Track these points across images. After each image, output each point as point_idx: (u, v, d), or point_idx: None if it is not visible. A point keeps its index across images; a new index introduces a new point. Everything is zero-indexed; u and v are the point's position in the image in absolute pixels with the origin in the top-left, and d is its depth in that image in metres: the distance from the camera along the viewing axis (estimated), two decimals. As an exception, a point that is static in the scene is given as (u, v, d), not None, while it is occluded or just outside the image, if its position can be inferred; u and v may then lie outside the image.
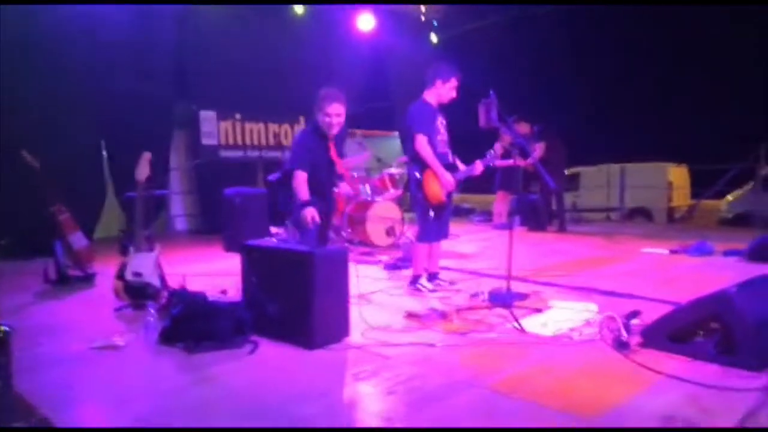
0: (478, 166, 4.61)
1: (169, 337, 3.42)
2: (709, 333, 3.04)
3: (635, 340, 3.22)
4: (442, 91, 4.55)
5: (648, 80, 17.99)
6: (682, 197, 14.45)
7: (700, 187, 13.84)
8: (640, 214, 13.62)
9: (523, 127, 8.38)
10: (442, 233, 4.81)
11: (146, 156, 4.40)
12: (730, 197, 13.16)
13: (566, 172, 9.80)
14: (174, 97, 8.76)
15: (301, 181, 3.97)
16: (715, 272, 5.33)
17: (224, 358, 3.19)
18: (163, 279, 4.33)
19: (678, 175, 14.39)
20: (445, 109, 4.71)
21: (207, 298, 3.80)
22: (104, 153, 8.01)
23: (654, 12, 16.45)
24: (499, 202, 9.04)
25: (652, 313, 3.46)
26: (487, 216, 10.46)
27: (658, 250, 6.68)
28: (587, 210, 13.10)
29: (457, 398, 2.61)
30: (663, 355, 3.05)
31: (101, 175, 8.00)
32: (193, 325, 3.40)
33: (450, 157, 4.66)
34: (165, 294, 4.19)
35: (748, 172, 11.40)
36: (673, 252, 6.53)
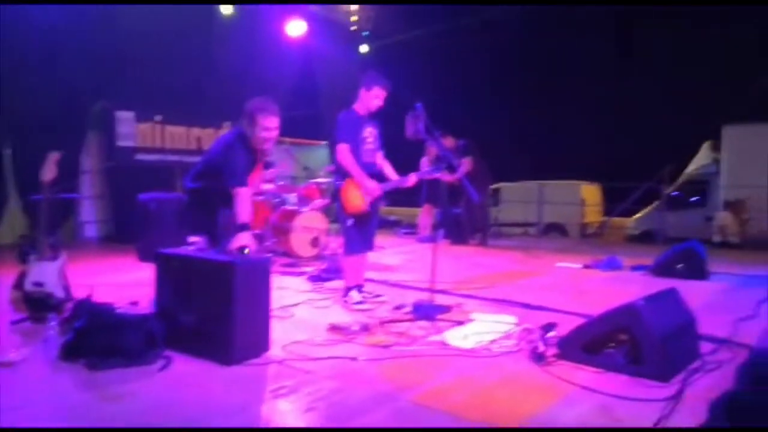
0: (412, 178, 4.60)
1: (70, 352, 3.15)
2: (619, 344, 3.17)
3: (551, 351, 3.31)
4: (366, 100, 4.53)
5: (566, 101, 18.90)
6: (594, 214, 15.24)
7: (610, 204, 14.67)
8: (556, 229, 14.22)
9: (449, 141, 8.54)
10: (368, 245, 4.77)
11: (53, 156, 4.09)
12: (637, 215, 14.00)
13: (490, 186, 10.07)
14: (89, 96, 8.28)
15: (244, 199, 3.69)
16: (624, 286, 5.61)
17: (133, 374, 2.99)
18: (67, 289, 4.03)
19: (590, 193, 15.18)
20: (377, 119, 4.70)
21: (115, 310, 3.56)
22: (8, 151, 7.44)
23: (573, 39, 17.33)
24: (425, 215, 9.15)
25: (567, 325, 3.57)
26: (412, 229, 10.56)
27: (572, 265, 6.96)
28: (507, 224, 13.52)
29: (378, 412, 2.57)
30: (577, 367, 3.15)
31: (2, 176, 7.42)
32: (98, 338, 3.15)
33: (377, 167, 4.63)
34: (69, 306, 3.89)
35: (653, 192, 12.17)
36: (585, 266, 6.83)
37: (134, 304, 4.28)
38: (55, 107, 7.42)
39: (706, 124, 12.38)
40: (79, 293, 4.08)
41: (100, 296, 4.11)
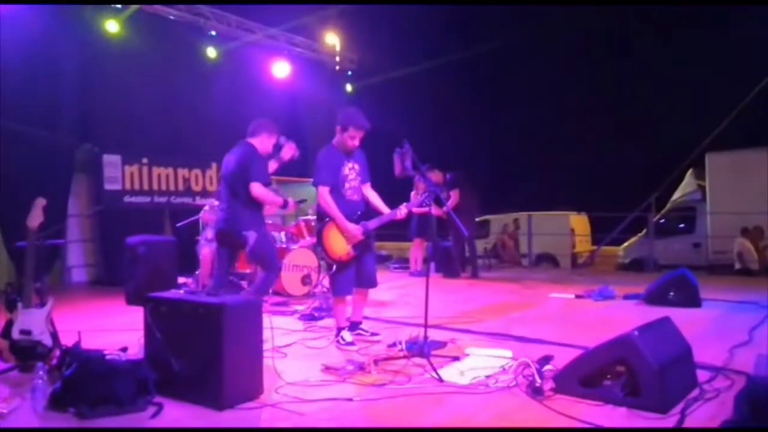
0: (402, 210, 4.51)
1: (59, 401, 3.07)
2: (616, 376, 3.15)
3: (549, 385, 3.27)
4: (341, 139, 4.45)
5: (552, 134, 19.24)
6: (583, 243, 15.33)
7: (599, 234, 14.78)
8: (546, 260, 14.26)
9: (437, 176, 8.62)
10: (364, 282, 4.62)
11: (40, 202, 4.05)
12: (626, 244, 14.09)
13: (477, 219, 10.13)
14: (75, 140, 8.29)
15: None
16: (618, 315, 5.60)
17: (123, 423, 2.91)
18: (55, 337, 3.94)
19: (579, 222, 15.30)
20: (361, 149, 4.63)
21: (104, 357, 3.47)
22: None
23: (557, 72, 17.74)
24: (416, 249, 9.14)
25: (564, 357, 3.55)
26: (403, 263, 10.53)
27: (565, 295, 6.96)
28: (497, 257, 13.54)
29: (375, 455, 2.51)
30: (575, 400, 3.11)
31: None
32: (87, 386, 3.07)
33: (363, 204, 4.55)
34: (57, 353, 3.81)
35: (641, 221, 12.29)
36: (578, 296, 6.82)
37: (124, 349, 4.19)
38: (39, 151, 7.40)
39: (690, 151, 12.59)
40: (67, 340, 4.00)
41: (89, 342, 4.02)
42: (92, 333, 4.58)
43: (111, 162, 8.75)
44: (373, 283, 4.65)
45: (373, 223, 4.53)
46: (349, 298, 4.63)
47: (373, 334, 4.68)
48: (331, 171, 4.41)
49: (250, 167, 4.59)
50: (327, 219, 4.38)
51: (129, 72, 8.67)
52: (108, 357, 3.48)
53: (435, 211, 7.48)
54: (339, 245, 4.38)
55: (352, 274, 4.52)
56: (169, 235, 7.95)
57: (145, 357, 3.39)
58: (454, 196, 8.40)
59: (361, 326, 4.74)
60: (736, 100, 11.62)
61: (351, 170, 4.50)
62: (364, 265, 4.57)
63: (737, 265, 10.47)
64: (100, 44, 8.54)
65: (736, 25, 13.54)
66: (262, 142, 4.85)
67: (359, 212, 4.51)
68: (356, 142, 4.47)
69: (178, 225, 7.36)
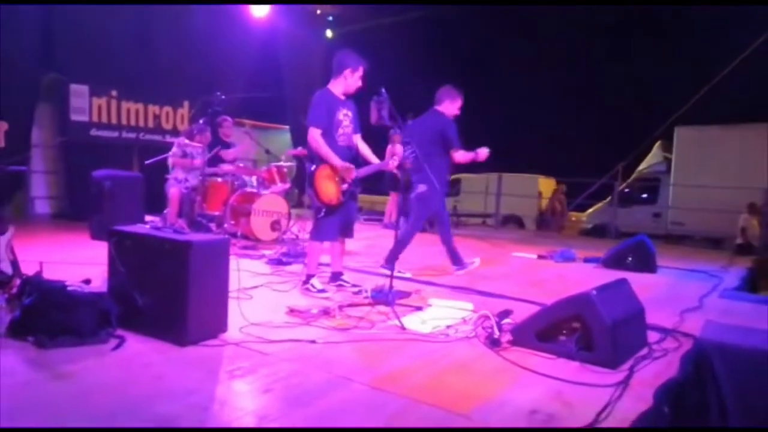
0: (393, 162, 4.54)
1: (18, 329, 3.04)
2: (571, 332, 3.27)
3: (506, 338, 3.38)
4: (351, 80, 4.42)
5: (527, 96, 19.21)
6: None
7: (566, 198, 15.00)
8: (513, 221, 14.50)
9: None
10: (344, 232, 4.64)
11: (1, 125, 3.91)
12: (590, 210, 14.39)
13: (450, 177, 10.16)
14: (40, 67, 7.94)
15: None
16: (576, 276, 5.78)
17: (84, 354, 2.91)
18: (15, 265, 3.88)
19: (547, 186, 15.52)
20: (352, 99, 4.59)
21: (66, 287, 3.44)
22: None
23: (535, 36, 17.59)
24: (391, 203, 9.17)
25: (522, 313, 3.67)
26: (374, 215, 10.60)
27: (528, 255, 7.12)
28: (466, 215, 13.70)
29: (335, 395, 2.58)
30: (531, 353, 3.23)
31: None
32: (47, 316, 3.05)
33: (354, 151, 4.52)
34: (17, 282, 3.75)
35: (607, 188, 12.53)
36: (540, 257, 6.99)
37: (87, 282, 4.15)
38: (1, 76, 7.07)
39: (660, 124, 12.78)
40: (28, 270, 3.94)
41: (51, 273, 3.97)
42: (55, 265, 4.52)
43: (78, 92, 8.45)
44: (352, 233, 4.71)
45: (362, 171, 4.50)
46: (326, 245, 4.63)
47: (354, 286, 4.62)
48: (327, 114, 4.35)
49: (447, 135, 5.42)
50: (320, 161, 4.33)
51: (101, 1, 8.27)
52: (69, 288, 3.45)
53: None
54: (331, 189, 4.35)
55: (338, 221, 4.51)
56: (138, 171, 7.78)
57: (108, 290, 3.37)
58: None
59: (343, 277, 4.72)
60: (708, 77, 11.77)
61: (345, 116, 4.47)
62: (349, 214, 4.58)
63: (739, 240, 10.41)
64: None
65: (711, 4, 13.57)
66: (447, 108, 5.55)
67: (349, 160, 4.47)
68: (361, 82, 4.47)
69: (146, 162, 7.19)
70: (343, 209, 4.50)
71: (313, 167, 4.36)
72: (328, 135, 4.34)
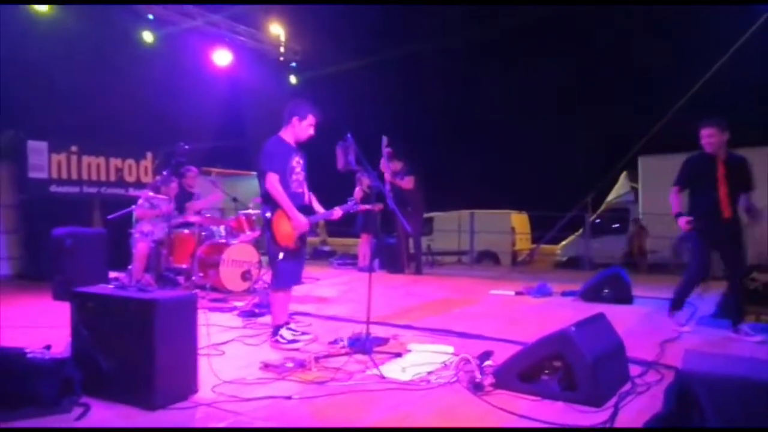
0: (337, 212, 4.55)
1: (-25, 402, 2.86)
2: (553, 371, 3.21)
3: (489, 380, 3.29)
4: (299, 129, 4.41)
5: (494, 134, 19.61)
6: (524, 242, 15.70)
7: (538, 232, 15.20)
8: (488, 257, 14.53)
9: (395, 165, 8.58)
10: (298, 278, 4.62)
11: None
12: (564, 243, 14.53)
13: (423, 216, 10.17)
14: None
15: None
16: (555, 312, 5.74)
17: (47, 425, 2.73)
18: (-30, 334, 3.68)
19: (520, 221, 15.66)
20: (306, 151, 4.61)
21: (26, 355, 3.25)
22: None
23: (499, 75, 18.07)
24: (363, 245, 9.09)
25: (503, 353, 3.59)
26: (346, 259, 10.48)
27: (505, 292, 7.08)
28: (440, 253, 13.68)
29: (314, 455, 2.45)
30: (514, 396, 3.15)
31: None
32: (7, 387, 2.87)
33: (306, 198, 4.51)
34: (-28, 352, 3.54)
35: (578, 220, 12.69)
36: (518, 293, 6.95)
37: (47, 347, 3.94)
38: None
39: (624, 154, 13.09)
40: (-17, 338, 3.73)
41: (10, 339, 3.77)
42: (14, 330, 4.31)
43: (36, 148, 8.24)
44: (299, 280, 4.71)
45: (312, 218, 4.47)
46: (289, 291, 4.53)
47: (303, 333, 4.51)
48: (281, 160, 4.33)
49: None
50: (277, 206, 4.28)
51: (58, 54, 8.17)
52: (29, 355, 3.26)
53: (377, 207, 7.52)
54: (288, 232, 4.31)
55: (296, 266, 4.48)
56: (100, 227, 7.57)
57: (72, 355, 3.20)
58: (408, 181, 8.41)
59: (291, 326, 4.55)
60: (668, 106, 12.17)
61: (297, 163, 4.46)
62: (302, 259, 4.57)
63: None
64: (26, 23, 8.03)
65: (670, 33, 14.18)
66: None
67: (302, 205, 4.43)
68: (313, 131, 4.44)
69: (109, 217, 7.00)
70: (298, 254, 4.47)
71: (268, 214, 4.30)
72: (282, 180, 4.31)
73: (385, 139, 8.35)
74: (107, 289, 3.44)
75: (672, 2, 13.60)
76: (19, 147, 8.12)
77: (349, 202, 4.61)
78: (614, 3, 14.60)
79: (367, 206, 5.78)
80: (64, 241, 6.19)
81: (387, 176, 8.25)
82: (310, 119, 4.41)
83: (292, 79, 12.57)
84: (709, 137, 4.71)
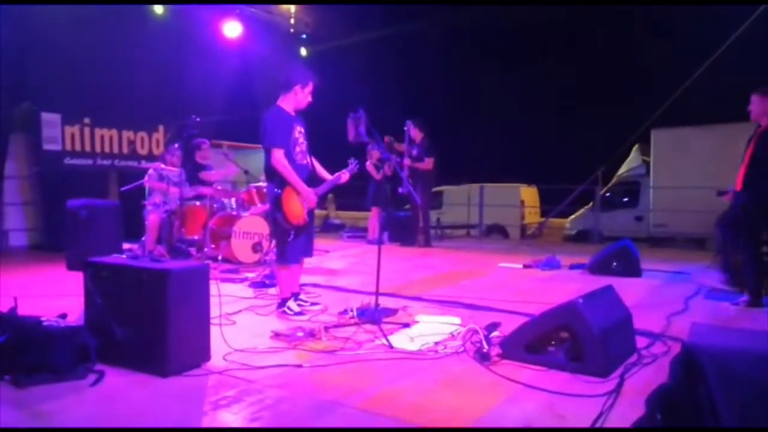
0: (345, 175, 4.57)
1: (-6, 369, 2.95)
2: (560, 342, 3.24)
3: (495, 351, 3.34)
4: (301, 96, 4.33)
5: (505, 107, 19.41)
6: (532, 215, 15.67)
7: (547, 206, 15.15)
8: (497, 230, 14.53)
9: (417, 134, 8.59)
10: (308, 252, 4.61)
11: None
12: (573, 216, 14.47)
13: (433, 189, 10.17)
14: (10, 96, 7.81)
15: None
16: (563, 284, 5.77)
17: (62, 391, 2.81)
18: (-12, 302, 3.77)
19: (529, 195, 15.60)
20: (313, 121, 4.59)
21: (41, 323, 3.34)
22: None
23: (510, 46, 17.80)
24: (374, 218, 9.12)
25: (510, 325, 3.63)
26: (357, 232, 10.54)
27: (513, 265, 7.11)
28: (450, 227, 13.70)
29: (324, 420, 2.51)
30: (521, 366, 3.19)
31: None
32: (23, 354, 2.95)
33: (310, 167, 4.47)
34: (-10, 320, 3.63)
35: (588, 193, 12.62)
36: (526, 266, 6.98)
37: (63, 316, 4.04)
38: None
39: (637, 127, 12.93)
40: (2, 306, 3.82)
41: (26, 308, 3.86)
42: (30, 299, 4.41)
43: (50, 121, 8.31)
44: (312, 252, 4.70)
45: (320, 189, 4.48)
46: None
47: (313, 304, 4.60)
48: (285, 133, 4.26)
49: None
50: (285, 183, 4.24)
51: (70, 27, 8.17)
52: (45, 323, 3.35)
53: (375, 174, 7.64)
54: (298, 210, 4.29)
55: (306, 241, 4.49)
56: (115, 199, 7.65)
57: (86, 323, 3.27)
58: (428, 162, 8.44)
59: (301, 297, 4.63)
60: (681, 79, 11.96)
61: (300, 133, 4.40)
62: (310, 233, 4.57)
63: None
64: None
65: (685, 8, 13.86)
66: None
67: (308, 176, 4.42)
68: (311, 97, 4.39)
69: (122, 189, 7.08)
70: (307, 229, 4.45)
71: (278, 190, 4.26)
72: (287, 155, 4.24)
73: (409, 123, 8.38)
74: (120, 259, 3.50)
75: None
76: (33, 119, 8.18)
77: (350, 164, 4.62)
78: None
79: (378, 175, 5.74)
80: (79, 213, 6.27)
81: (406, 161, 8.28)
82: (310, 86, 4.34)
83: (303, 51, 12.47)
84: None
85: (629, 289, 5.05)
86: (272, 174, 4.27)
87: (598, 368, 3.02)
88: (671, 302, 4.85)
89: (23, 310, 3.74)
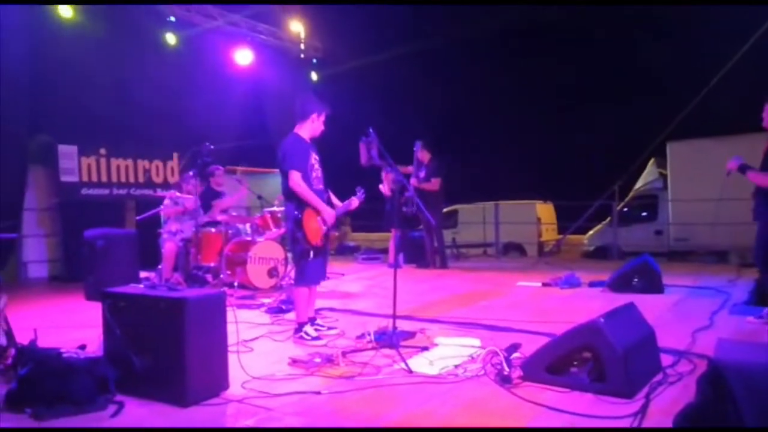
0: (354, 202, 4.66)
1: (15, 401, 2.95)
2: (582, 363, 3.17)
3: (517, 373, 3.28)
4: (317, 124, 4.47)
5: (518, 124, 19.38)
6: (550, 232, 15.51)
7: (564, 222, 15.00)
8: (514, 248, 14.40)
9: (424, 155, 8.59)
10: (323, 275, 4.67)
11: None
12: (591, 232, 14.31)
13: (444, 209, 10.13)
14: (28, 130, 7.97)
15: None
16: (583, 303, 5.68)
17: (83, 423, 2.81)
18: (9, 335, 3.78)
19: (545, 211, 15.47)
20: (325, 146, 4.65)
21: (61, 355, 3.35)
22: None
23: (522, 64, 17.83)
24: (394, 241, 9.08)
25: (531, 345, 3.57)
26: (371, 254, 10.51)
27: (532, 283, 7.02)
28: (466, 246, 13.60)
29: (344, 449, 2.47)
30: (543, 388, 3.13)
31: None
32: (44, 386, 2.97)
33: (325, 195, 4.54)
34: (11, 352, 3.65)
35: (605, 209, 12.48)
36: (545, 284, 6.89)
37: (82, 347, 4.05)
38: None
39: (652, 140, 12.82)
40: (22, 338, 3.84)
41: (46, 340, 3.88)
42: (49, 331, 4.43)
43: (66, 153, 8.45)
44: (326, 275, 4.81)
45: (337, 211, 4.52)
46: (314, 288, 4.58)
47: (330, 328, 4.59)
48: (302, 158, 4.36)
49: None
50: (304, 204, 4.31)
51: (84, 59, 8.34)
52: (65, 355, 3.36)
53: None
54: (317, 230, 4.35)
55: (322, 263, 4.52)
56: (132, 227, 7.72)
57: (105, 354, 3.28)
58: (434, 183, 8.42)
59: (317, 321, 4.62)
60: (696, 90, 11.87)
61: (315, 160, 4.50)
62: (325, 256, 4.63)
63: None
64: (53, 30, 8.20)
65: (697, 17, 13.80)
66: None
67: (324, 202, 4.46)
68: (323, 127, 4.51)
69: (138, 218, 7.14)
70: (324, 250, 4.52)
71: (297, 212, 4.32)
72: (305, 179, 4.33)
73: (418, 144, 8.42)
74: (138, 288, 3.51)
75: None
76: (50, 151, 8.32)
77: (358, 192, 4.73)
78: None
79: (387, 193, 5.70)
80: (96, 243, 6.33)
81: (413, 181, 8.30)
82: (324, 116, 4.48)
83: (313, 76, 12.61)
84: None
85: (652, 306, 4.95)
86: (291, 196, 4.35)
87: (622, 388, 2.95)
88: (695, 318, 4.74)
89: (43, 342, 3.76)
